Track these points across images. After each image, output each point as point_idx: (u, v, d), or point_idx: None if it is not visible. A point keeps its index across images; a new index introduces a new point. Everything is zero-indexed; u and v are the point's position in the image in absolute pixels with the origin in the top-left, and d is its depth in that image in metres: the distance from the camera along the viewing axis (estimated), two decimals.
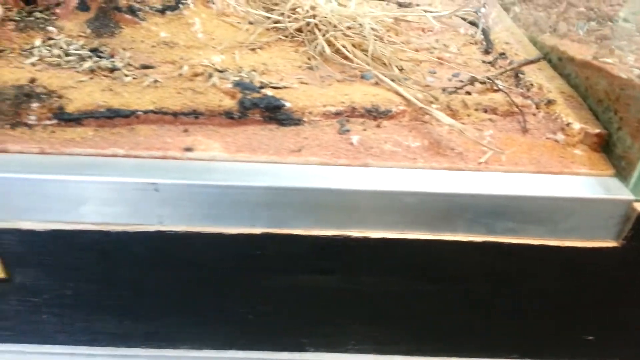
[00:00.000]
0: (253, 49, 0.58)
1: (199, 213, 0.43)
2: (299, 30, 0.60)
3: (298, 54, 0.58)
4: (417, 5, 0.72)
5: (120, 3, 0.56)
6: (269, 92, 0.48)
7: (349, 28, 0.58)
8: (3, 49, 0.52)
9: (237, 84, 0.48)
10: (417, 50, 0.62)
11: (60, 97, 0.45)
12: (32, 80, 0.47)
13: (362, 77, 0.55)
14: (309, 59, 0.58)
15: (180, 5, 0.58)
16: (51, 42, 0.54)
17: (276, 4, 0.64)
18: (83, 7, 0.57)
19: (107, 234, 0.44)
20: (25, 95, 0.45)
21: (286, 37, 0.61)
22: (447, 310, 0.50)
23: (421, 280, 0.47)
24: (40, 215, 0.43)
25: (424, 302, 0.49)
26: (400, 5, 0.72)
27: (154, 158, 0.44)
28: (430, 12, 0.62)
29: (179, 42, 0.56)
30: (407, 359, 0.54)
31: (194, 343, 0.52)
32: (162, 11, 0.57)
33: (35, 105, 0.44)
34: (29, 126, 0.44)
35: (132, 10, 0.56)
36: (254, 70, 0.52)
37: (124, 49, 0.54)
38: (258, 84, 0.49)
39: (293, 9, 0.60)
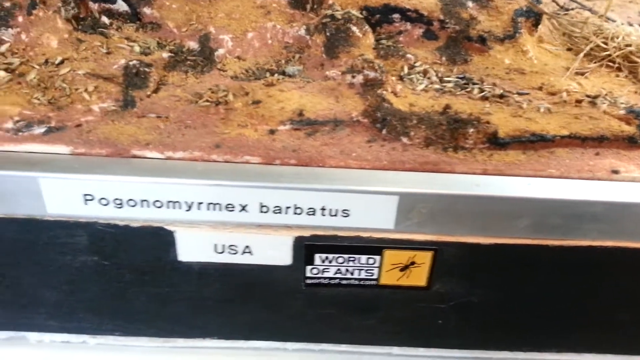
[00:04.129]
0: (583, 75, 0.62)
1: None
2: (618, 56, 0.65)
3: (622, 80, 0.63)
4: None
5: (471, 33, 0.61)
6: None
7: None
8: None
9: (630, 111, 0.52)
10: None
11: (487, 122, 0.50)
12: (447, 107, 0.52)
13: None
14: (634, 84, 0.62)
15: (517, 34, 0.62)
16: (417, 69, 0.59)
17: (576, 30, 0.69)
18: (430, 35, 0.62)
19: (545, 248, 0.48)
20: (454, 121, 0.50)
21: (601, 65, 0.65)
22: None
23: None
24: (482, 231, 0.48)
25: None
26: None
27: (581, 179, 0.48)
28: None
29: (525, 69, 0.60)
30: None
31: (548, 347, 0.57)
32: (502, 39, 0.62)
33: (471, 130, 0.49)
34: (467, 149, 0.49)
35: (482, 39, 0.61)
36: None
37: (484, 76, 0.59)
38: None
39: (612, 38, 0.64)
